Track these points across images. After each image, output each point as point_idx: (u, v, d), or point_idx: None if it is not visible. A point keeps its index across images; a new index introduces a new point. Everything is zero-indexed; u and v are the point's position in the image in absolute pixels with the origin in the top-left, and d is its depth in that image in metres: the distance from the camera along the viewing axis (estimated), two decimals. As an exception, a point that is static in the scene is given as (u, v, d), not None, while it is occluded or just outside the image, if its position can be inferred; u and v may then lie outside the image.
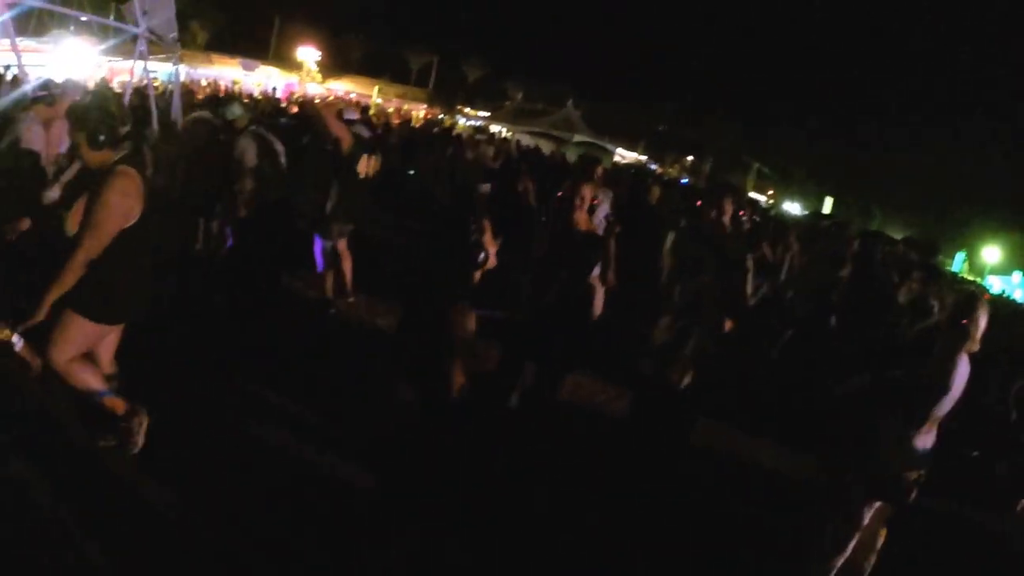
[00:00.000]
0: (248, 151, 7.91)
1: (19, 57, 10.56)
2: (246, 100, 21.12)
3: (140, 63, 14.92)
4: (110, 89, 18.82)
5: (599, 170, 7.35)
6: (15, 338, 3.90)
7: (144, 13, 13.82)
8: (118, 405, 4.40)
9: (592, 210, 6.24)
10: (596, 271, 6.03)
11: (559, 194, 6.26)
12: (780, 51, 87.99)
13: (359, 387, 6.25)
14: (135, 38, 14.35)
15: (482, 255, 4.30)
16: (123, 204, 3.98)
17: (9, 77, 11.38)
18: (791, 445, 7.07)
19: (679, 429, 6.01)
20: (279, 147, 8.27)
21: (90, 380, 4.33)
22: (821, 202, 61.01)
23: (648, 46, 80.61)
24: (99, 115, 4.13)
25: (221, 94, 22.55)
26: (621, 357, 6.94)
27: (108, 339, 4.50)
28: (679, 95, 68.07)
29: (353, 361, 7.10)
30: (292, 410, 5.76)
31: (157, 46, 15.04)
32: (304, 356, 6.82)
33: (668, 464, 5.85)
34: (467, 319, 4.26)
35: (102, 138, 4.08)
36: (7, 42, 12.68)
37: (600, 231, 6.49)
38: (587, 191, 6.00)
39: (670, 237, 10.18)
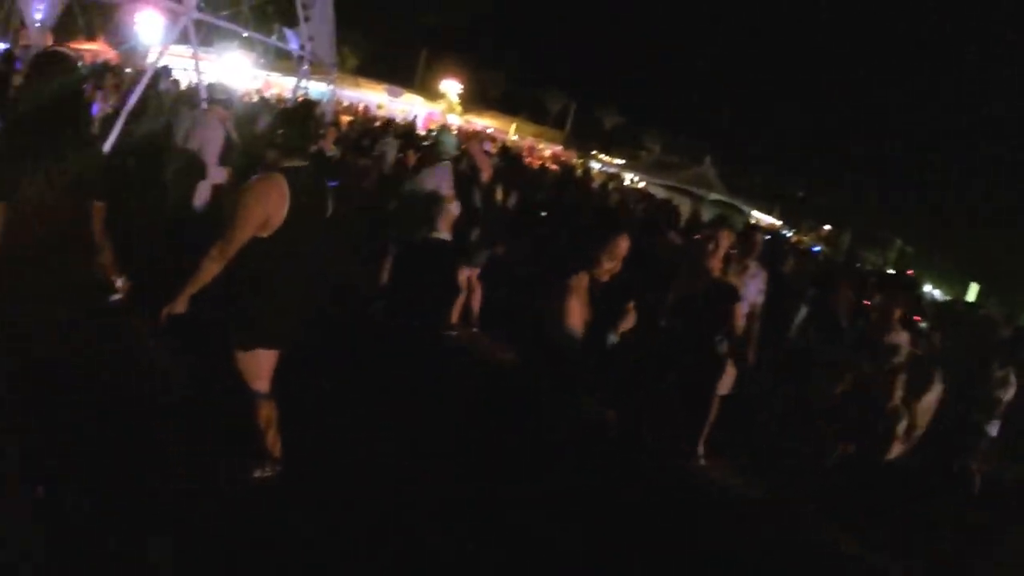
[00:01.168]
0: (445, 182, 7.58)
1: (197, 64, 11.19)
2: (382, 123, 21.76)
3: (301, 81, 15.59)
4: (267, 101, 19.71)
5: (757, 237, 7.10)
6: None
7: (310, 38, 14.60)
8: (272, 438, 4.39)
9: (734, 267, 6.30)
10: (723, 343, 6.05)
11: (696, 237, 6.34)
12: (933, 122, 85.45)
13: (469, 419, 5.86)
14: (294, 56, 15.13)
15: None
16: (261, 209, 3.88)
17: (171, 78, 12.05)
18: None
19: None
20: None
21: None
22: (965, 288, 56.96)
23: (790, 109, 79.64)
24: (294, 127, 4.17)
25: (369, 118, 23.13)
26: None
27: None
28: (820, 159, 66.64)
29: (471, 393, 6.78)
30: (405, 435, 5.57)
31: (315, 67, 15.77)
32: (423, 383, 6.57)
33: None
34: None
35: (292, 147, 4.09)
36: (181, 48, 13.54)
37: (751, 301, 6.54)
38: (725, 238, 5.98)
39: (802, 312, 9.82)
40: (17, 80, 8.90)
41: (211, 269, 3.85)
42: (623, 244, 4.90)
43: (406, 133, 15.66)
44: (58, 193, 3.57)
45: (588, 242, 4.67)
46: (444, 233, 7.45)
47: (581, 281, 4.49)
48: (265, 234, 3.91)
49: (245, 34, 19.41)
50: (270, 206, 3.87)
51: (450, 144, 7.79)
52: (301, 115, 4.41)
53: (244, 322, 4.10)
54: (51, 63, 3.68)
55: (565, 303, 4.41)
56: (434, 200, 7.36)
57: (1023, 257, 62.71)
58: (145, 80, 9.33)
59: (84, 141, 3.98)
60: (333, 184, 5.05)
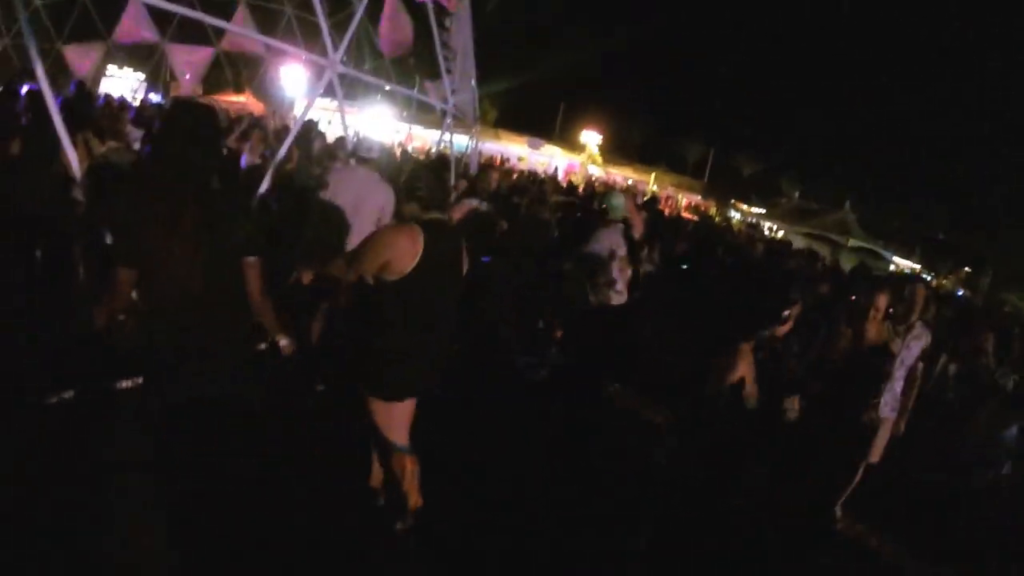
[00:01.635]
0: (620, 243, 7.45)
1: (343, 116, 11.06)
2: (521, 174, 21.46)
3: (445, 134, 15.64)
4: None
5: (920, 293, 6.63)
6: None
7: (453, 92, 14.47)
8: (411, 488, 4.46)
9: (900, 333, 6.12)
10: (887, 403, 6.03)
11: (851, 298, 6.15)
12: None
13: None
14: (436, 109, 15.05)
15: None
16: (385, 252, 4.00)
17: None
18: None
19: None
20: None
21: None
22: None
23: (925, 145, 77.05)
24: (435, 181, 4.31)
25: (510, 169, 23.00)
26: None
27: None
28: (961, 198, 64.02)
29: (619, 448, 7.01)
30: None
31: (458, 120, 15.62)
32: (574, 436, 6.76)
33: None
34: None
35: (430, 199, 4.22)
36: (324, 101, 13.58)
37: (911, 366, 6.31)
38: (883, 301, 5.78)
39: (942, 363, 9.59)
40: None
41: (249, 274, 3.61)
42: (883, 301, 5.56)
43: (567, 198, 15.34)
44: (205, 249, 3.37)
45: (761, 302, 5.19)
46: (623, 295, 7.38)
47: (750, 343, 4.73)
48: (390, 278, 4.02)
49: (388, 87, 19.50)
50: (396, 251, 3.98)
51: (619, 206, 7.51)
52: (438, 168, 4.24)
53: (376, 375, 4.19)
54: (187, 111, 3.55)
55: (735, 364, 4.68)
56: (612, 261, 7.23)
57: None
58: (294, 133, 9.15)
59: (232, 192, 3.89)
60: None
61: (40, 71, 6.87)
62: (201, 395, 3.54)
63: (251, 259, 3.56)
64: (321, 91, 9.69)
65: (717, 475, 5.79)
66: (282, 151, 8.75)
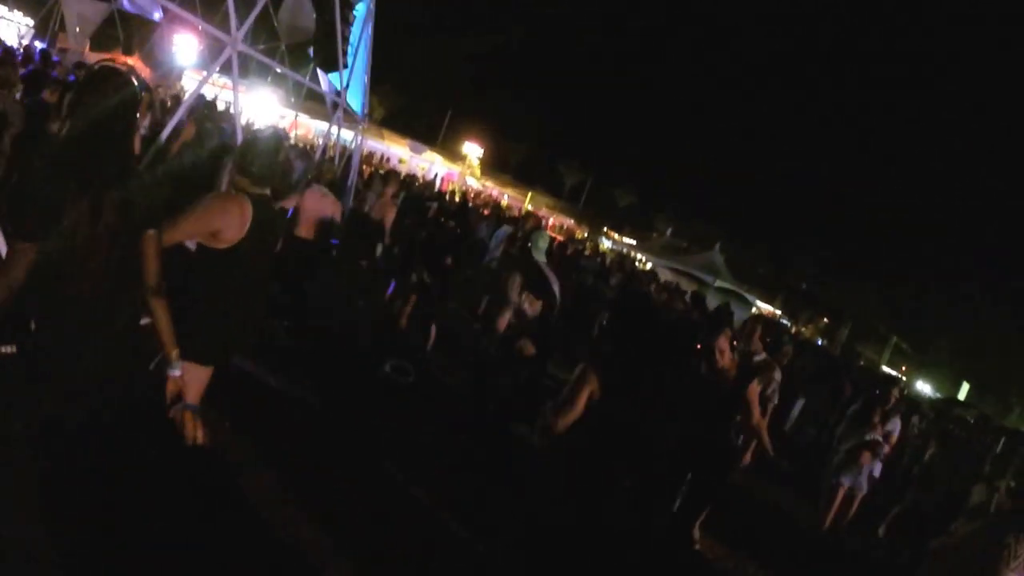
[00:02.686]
0: (515, 284, 7.48)
1: (237, 96, 10.99)
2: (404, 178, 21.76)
3: (332, 127, 15.73)
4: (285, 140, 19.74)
5: (756, 324, 7.53)
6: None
7: (346, 86, 14.63)
8: None
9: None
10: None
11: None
12: (936, 218, 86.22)
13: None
14: (325, 100, 15.22)
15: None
16: (217, 219, 3.92)
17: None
18: None
19: None
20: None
21: None
22: (957, 387, 56.34)
23: (799, 199, 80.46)
24: (271, 159, 4.23)
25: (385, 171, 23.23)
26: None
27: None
28: (824, 252, 67.30)
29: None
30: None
31: (347, 114, 15.78)
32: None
33: None
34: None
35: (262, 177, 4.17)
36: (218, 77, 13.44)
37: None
38: (723, 341, 6.23)
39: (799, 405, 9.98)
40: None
41: (148, 250, 3.45)
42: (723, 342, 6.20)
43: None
44: (107, 224, 3.27)
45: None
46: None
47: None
48: (216, 246, 3.93)
49: (279, 70, 19.46)
50: (228, 219, 3.92)
51: (543, 247, 7.78)
52: (275, 148, 4.31)
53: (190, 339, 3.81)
54: (107, 80, 3.42)
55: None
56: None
57: (1014, 358, 63.68)
58: (186, 105, 9.20)
59: (132, 167, 3.69)
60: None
61: None
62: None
63: (151, 232, 3.44)
64: (218, 68, 9.76)
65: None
66: (171, 124, 8.58)
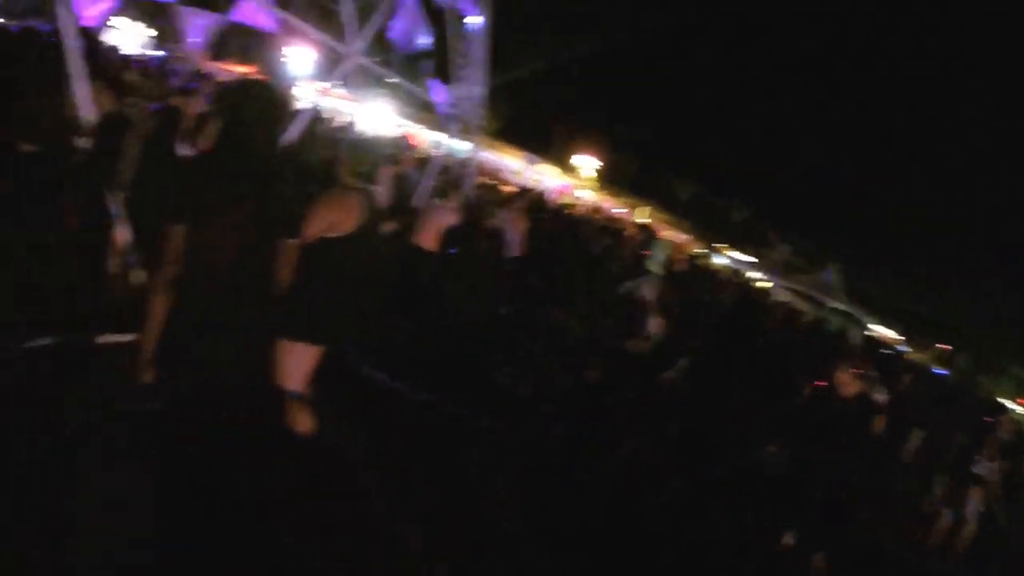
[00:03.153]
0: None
1: (350, 107, 10.94)
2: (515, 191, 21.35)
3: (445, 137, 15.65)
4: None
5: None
6: None
7: (463, 99, 14.26)
8: None
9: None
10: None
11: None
12: None
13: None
14: (438, 112, 14.87)
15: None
16: (334, 212, 4.21)
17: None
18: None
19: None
20: None
21: None
22: None
23: (923, 221, 77.60)
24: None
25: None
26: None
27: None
28: (947, 275, 64.56)
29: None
30: None
31: (462, 127, 15.43)
32: None
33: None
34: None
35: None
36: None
37: None
38: (845, 376, 6.08)
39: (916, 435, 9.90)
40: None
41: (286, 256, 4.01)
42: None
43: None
44: (252, 229, 3.63)
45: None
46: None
47: None
48: (330, 235, 4.19)
49: (391, 80, 19.34)
50: (344, 212, 4.21)
51: (661, 259, 7.24)
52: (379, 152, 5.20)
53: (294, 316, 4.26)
54: (252, 89, 3.79)
55: None
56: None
57: None
58: (306, 116, 9.27)
59: (273, 169, 4.15)
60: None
61: (64, 14, 6.72)
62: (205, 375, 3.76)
63: (290, 241, 3.85)
64: (338, 79, 9.48)
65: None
66: (293, 131, 8.57)
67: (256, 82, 4.00)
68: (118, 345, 5.48)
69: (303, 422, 4.44)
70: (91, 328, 5.62)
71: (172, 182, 4.18)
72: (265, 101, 3.71)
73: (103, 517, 3.63)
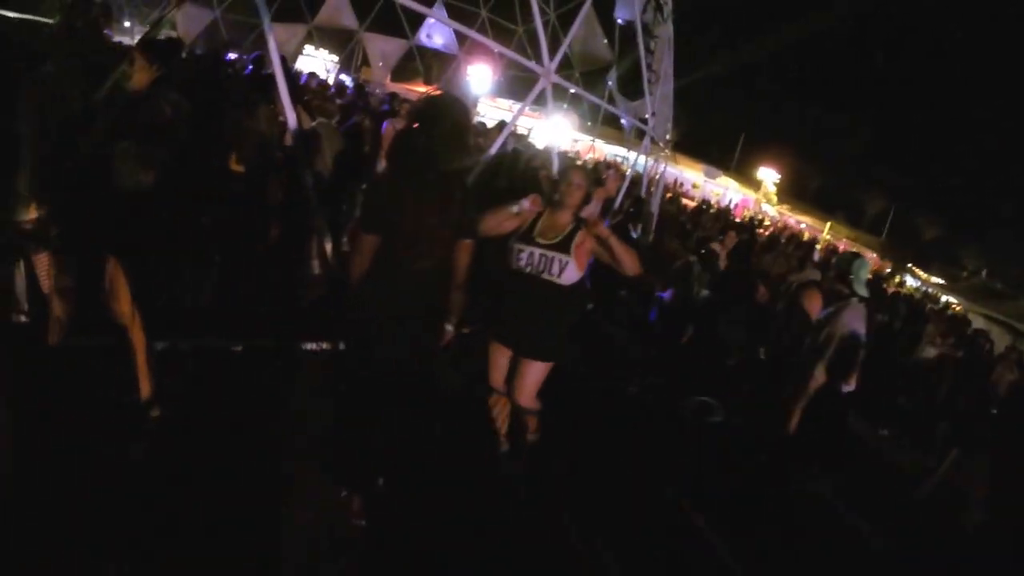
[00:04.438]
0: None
1: (545, 125, 10.97)
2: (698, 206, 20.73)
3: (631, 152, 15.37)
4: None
5: None
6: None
7: (653, 114, 14.02)
8: None
9: None
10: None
11: None
12: None
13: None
14: (623, 125, 14.70)
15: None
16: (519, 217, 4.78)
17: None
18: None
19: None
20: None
21: None
22: None
23: None
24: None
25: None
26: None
27: None
28: None
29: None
30: None
31: (652, 142, 15.15)
32: None
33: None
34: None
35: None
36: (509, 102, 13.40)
37: None
38: None
39: None
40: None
41: (463, 255, 4.11)
42: None
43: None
44: (436, 230, 3.83)
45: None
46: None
47: None
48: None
49: (572, 91, 19.29)
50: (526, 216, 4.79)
51: (863, 279, 6.37)
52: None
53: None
54: (445, 106, 3.88)
55: None
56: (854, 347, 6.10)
57: None
58: (506, 131, 9.21)
59: (463, 179, 4.36)
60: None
61: (272, 44, 7.09)
62: (394, 368, 3.98)
63: (467, 241, 3.99)
64: (534, 98, 9.36)
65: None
66: (492, 150, 8.52)
67: (448, 99, 3.97)
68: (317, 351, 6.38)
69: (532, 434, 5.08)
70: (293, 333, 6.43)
71: (367, 196, 4.38)
72: (456, 118, 3.83)
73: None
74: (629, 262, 4.60)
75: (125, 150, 4.73)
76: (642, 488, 5.68)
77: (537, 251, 4.68)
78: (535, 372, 4.81)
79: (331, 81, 22.03)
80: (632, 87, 14.91)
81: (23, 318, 5.53)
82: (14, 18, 9.20)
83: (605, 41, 22.22)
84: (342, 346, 4.76)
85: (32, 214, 4.65)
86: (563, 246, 4.66)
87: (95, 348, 5.02)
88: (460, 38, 27.25)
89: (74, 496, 3.91)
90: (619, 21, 18.88)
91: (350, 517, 4.18)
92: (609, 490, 5.48)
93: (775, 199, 43.50)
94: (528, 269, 4.68)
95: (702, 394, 7.54)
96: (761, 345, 7.90)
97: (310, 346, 6.57)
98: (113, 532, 3.72)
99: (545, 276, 4.65)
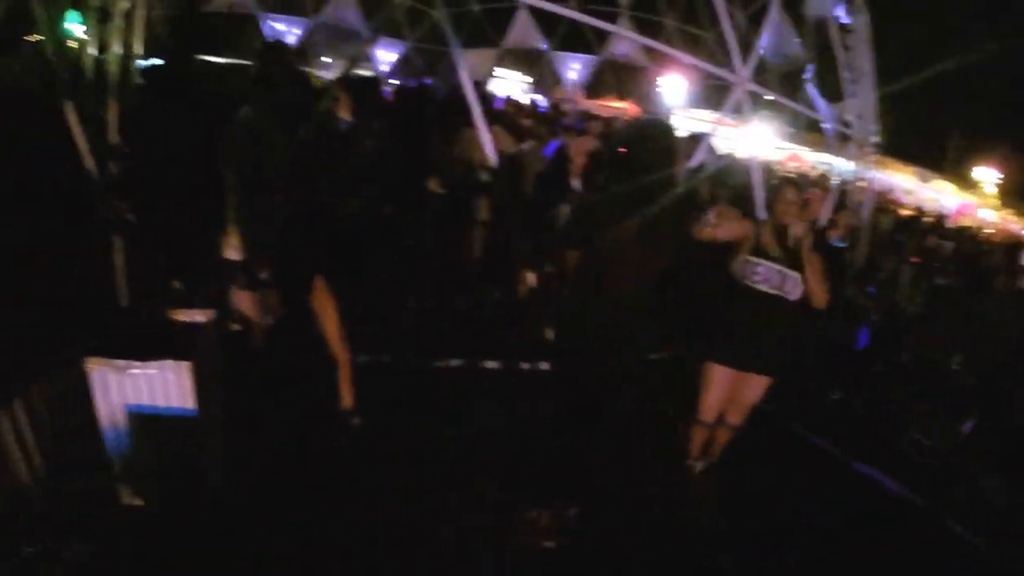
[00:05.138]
0: None
1: (746, 134, 10.87)
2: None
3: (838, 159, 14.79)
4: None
5: None
6: None
7: (859, 116, 13.51)
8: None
9: None
10: None
11: None
12: None
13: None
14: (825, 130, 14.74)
15: None
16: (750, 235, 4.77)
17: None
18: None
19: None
20: None
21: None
22: None
23: None
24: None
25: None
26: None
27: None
28: None
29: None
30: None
31: (857, 146, 14.33)
32: None
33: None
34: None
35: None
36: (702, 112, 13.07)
37: None
38: None
39: None
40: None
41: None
42: None
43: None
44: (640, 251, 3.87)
45: None
46: None
47: None
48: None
49: (769, 97, 18.73)
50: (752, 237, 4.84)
51: None
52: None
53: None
54: (652, 127, 4.01)
55: None
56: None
57: None
58: (706, 144, 9.05)
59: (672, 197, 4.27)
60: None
61: (463, 70, 7.49)
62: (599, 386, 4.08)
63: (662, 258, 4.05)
64: (730, 108, 9.08)
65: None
66: (693, 162, 8.36)
67: (654, 122, 4.15)
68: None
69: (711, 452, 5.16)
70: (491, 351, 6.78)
71: (573, 216, 4.60)
72: (654, 136, 3.95)
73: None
74: (820, 295, 4.68)
75: (335, 182, 5.19)
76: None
77: (774, 267, 4.74)
78: (759, 388, 4.94)
79: (525, 101, 22.42)
80: (829, 88, 14.18)
81: (236, 327, 5.86)
82: (224, 64, 9.81)
83: (798, 40, 21.53)
84: (545, 365, 5.25)
85: (237, 254, 4.94)
86: (791, 262, 4.74)
87: (303, 363, 5.41)
88: (649, 49, 27.01)
89: (282, 491, 4.43)
90: (811, 16, 18.27)
91: (537, 535, 4.29)
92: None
93: (996, 202, 40.25)
94: (764, 285, 4.75)
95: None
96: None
97: (520, 364, 6.76)
98: (314, 528, 4.14)
99: (779, 291, 4.73)
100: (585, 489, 4.42)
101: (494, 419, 5.75)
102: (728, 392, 4.97)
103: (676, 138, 4.10)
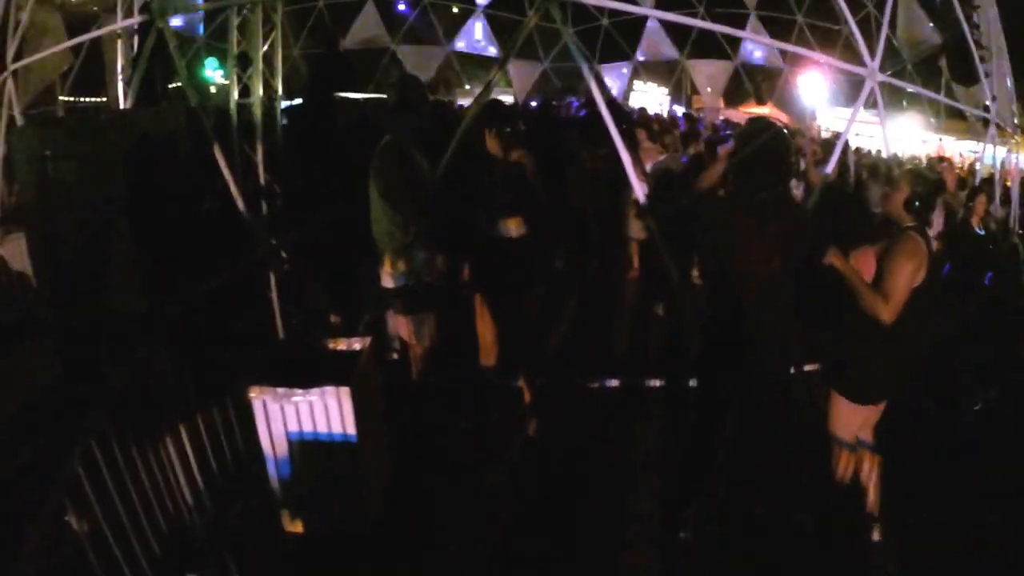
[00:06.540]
0: None
1: (884, 131, 10.46)
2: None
3: (988, 147, 14.06)
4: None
5: None
6: None
7: (993, 98, 13.01)
8: None
9: None
10: None
11: None
12: None
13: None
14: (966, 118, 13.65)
15: None
16: (916, 263, 3.96)
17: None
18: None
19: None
20: None
21: None
22: None
23: None
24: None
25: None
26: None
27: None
28: None
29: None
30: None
31: (999, 130, 14.07)
32: None
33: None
34: None
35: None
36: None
37: None
38: None
39: None
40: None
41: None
42: None
43: None
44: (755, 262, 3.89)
45: None
46: None
47: None
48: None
49: (916, 91, 18.34)
50: (921, 260, 3.99)
51: None
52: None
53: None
54: (761, 132, 4.00)
55: None
56: None
57: None
58: (840, 146, 8.89)
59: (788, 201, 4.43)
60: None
61: (594, 87, 7.22)
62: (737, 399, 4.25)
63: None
64: (863, 102, 9.24)
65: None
66: (830, 165, 8.41)
67: (758, 124, 4.20)
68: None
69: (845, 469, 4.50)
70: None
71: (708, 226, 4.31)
72: (765, 143, 3.92)
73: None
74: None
75: (497, 206, 5.41)
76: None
77: None
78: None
79: (664, 113, 22.66)
80: (961, 71, 13.72)
81: (395, 355, 6.39)
82: (362, 99, 10.40)
83: (931, 24, 20.49)
84: (692, 382, 4.91)
85: (392, 281, 5.17)
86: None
87: (462, 387, 5.70)
88: (782, 50, 26.49)
89: (443, 516, 4.66)
90: (938, -4, 17.49)
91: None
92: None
93: None
94: None
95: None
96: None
97: (655, 383, 6.82)
98: (475, 555, 4.28)
99: None
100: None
101: (655, 439, 5.79)
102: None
103: (781, 137, 4.00)
